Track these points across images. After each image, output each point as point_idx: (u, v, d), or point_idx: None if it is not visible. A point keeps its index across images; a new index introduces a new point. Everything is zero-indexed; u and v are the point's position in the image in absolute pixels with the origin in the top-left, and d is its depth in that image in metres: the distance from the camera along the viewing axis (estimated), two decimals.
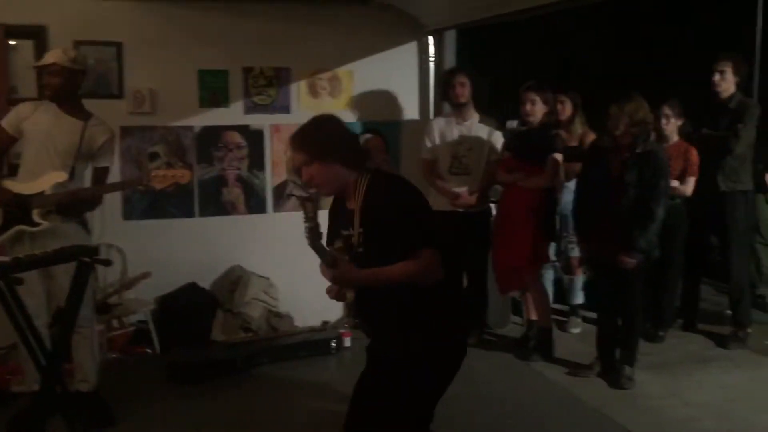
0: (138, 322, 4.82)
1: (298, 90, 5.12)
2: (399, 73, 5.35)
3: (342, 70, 5.19)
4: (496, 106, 5.23)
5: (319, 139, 2.37)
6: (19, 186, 3.58)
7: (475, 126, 4.75)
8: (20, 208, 3.52)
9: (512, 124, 5.06)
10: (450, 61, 5.47)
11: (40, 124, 3.55)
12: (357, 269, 2.30)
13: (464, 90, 4.68)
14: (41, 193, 3.53)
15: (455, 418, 3.70)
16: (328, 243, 2.45)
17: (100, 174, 3.73)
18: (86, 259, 3.11)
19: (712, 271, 5.38)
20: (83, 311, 3.30)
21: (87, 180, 3.76)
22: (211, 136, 4.97)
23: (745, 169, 4.63)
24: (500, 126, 4.95)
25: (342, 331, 4.86)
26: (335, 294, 2.42)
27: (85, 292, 3.20)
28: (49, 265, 3.37)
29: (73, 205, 3.60)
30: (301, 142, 2.38)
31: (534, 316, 4.66)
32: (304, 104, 5.09)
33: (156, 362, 4.52)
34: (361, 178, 2.37)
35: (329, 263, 2.30)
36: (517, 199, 4.47)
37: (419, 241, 2.28)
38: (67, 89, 3.57)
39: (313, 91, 5.15)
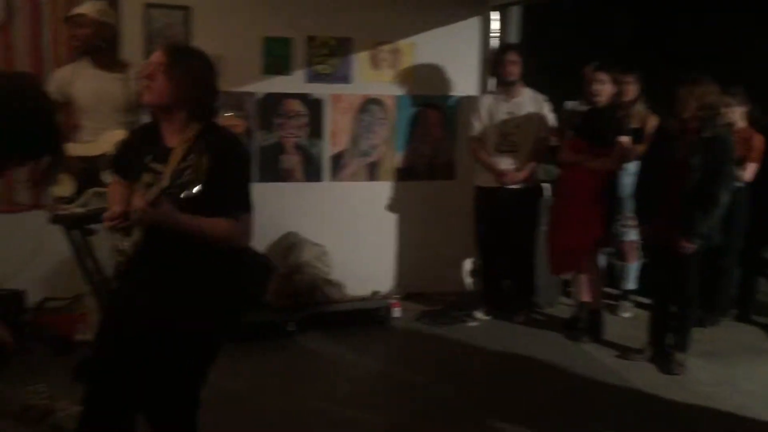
0: None
1: (360, 61, 5.14)
2: (460, 48, 5.32)
3: (404, 43, 5.19)
4: (559, 84, 5.17)
5: (193, 67, 2.27)
6: (83, 148, 3.69)
7: (525, 103, 4.73)
8: (88, 170, 3.65)
9: (571, 104, 5.02)
10: (512, 37, 5.42)
11: (84, 88, 3.67)
12: (176, 211, 2.13)
13: (514, 68, 4.67)
14: (105, 155, 3.64)
15: (505, 396, 3.76)
16: (122, 167, 2.40)
17: None
18: None
19: None
20: None
21: None
22: (273, 103, 5.04)
23: None
24: (557, 105, 4.91)
25: (392, 301, 4.92)
26: (119, 224, 2.24)
27: None
28: None
29: None
30: (177, 54, 2.28)
31: (585, 298, 4.64)
32: (365, 75, 5.12)
33: None
34: (193, 121, 2.26)
35: (151, 197, 2.12)
36: (582, 181, 4.44)
37: (246, 204, 2.28)
38: (96, 41, 3.66)
39: (374, 63, 5.16)
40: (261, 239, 5.11)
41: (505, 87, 4.77)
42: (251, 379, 3.84)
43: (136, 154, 2.31)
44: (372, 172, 5.28)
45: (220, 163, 2.16)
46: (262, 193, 4.93)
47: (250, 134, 5.02)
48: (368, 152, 5.26)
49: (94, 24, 3.60)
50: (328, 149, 5.18)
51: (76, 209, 3.43)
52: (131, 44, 4.46)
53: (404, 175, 5.34)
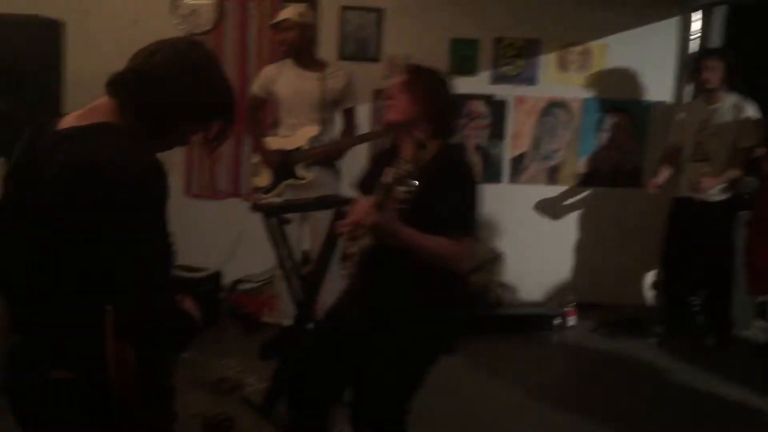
0: None
1: (547, 62, 5.05)
2: (655, 50, 5.06)
3: (595, 44, 5.03)
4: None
5: (434, 87, 2.36)
6: (279, 142, 3.94)
7: (724, 111, 4.39)
8: (284, 163, 3.89)
9: None
10: (715, 40, 5.07)
11: (286, 84, 3.89)
12: (401, 223, 2.18)
13: (712, 75, 4.34)
14: (299, 149, 3.86)
15: (688, 426, 3.53)
16: (365, 186, 2.47)
17: (348, 115, 4.01)
18: (343, 209, 3.37)
19: None
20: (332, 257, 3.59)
21: (338, 124, 4.04)
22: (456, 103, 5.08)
23: None
24: (766, 113, 4.52)
25: (567, 309, 4.80)
26: (349, 231, 2.32)
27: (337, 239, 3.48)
28: (309, 210, 3.70)
29: (329, 156, 3.92)
30: (417, 74, 2.38)
31: None
32: (551, 77, 5.03)
33: None
34: (432, 140, 2.30)
35: (379, 203, 2.19)
36: None
37: (469, 227, 2.28)
38: (300, 43, 3.86)
39: (562, 64, 5.05)
40: None
41: (704, 94, 4.48)
42: None
43: (376, 176, 2.40)
44: (552, 176, 5.18)
45: (448, 182, 2.24)
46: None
47: None
48: (550, 156, 5.16)
49: (298, 27, 3.82)
50: (508, 151, 5.14)
51: (274, 199, 3.68)
52: (327, 44, 4.69)
53: (586, 180, 5.19)
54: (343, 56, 4.89)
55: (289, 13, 3.83)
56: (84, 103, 1.55)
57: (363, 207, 2.26)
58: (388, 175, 2.27)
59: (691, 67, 4.75)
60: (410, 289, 2.32)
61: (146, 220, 1.39)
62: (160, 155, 1.49)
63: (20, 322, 1.51)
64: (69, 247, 1.36)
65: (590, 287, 5.15)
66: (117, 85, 1.48)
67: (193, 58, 1.52)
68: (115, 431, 1.48)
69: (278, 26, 3.86)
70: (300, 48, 3.86)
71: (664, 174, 4.54)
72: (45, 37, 3.58)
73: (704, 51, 4.76)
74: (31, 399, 1.49)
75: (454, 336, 2.47)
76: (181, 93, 1.49)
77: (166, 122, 1.51)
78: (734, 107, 4.41)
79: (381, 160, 2.50)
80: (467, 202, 2.30)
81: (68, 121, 1.47)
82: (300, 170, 3.85)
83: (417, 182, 2.12)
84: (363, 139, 4.19)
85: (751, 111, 4.39)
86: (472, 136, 5.12)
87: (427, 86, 2.34)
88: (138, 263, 1.36)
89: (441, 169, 2.25)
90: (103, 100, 1.49)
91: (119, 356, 1.41)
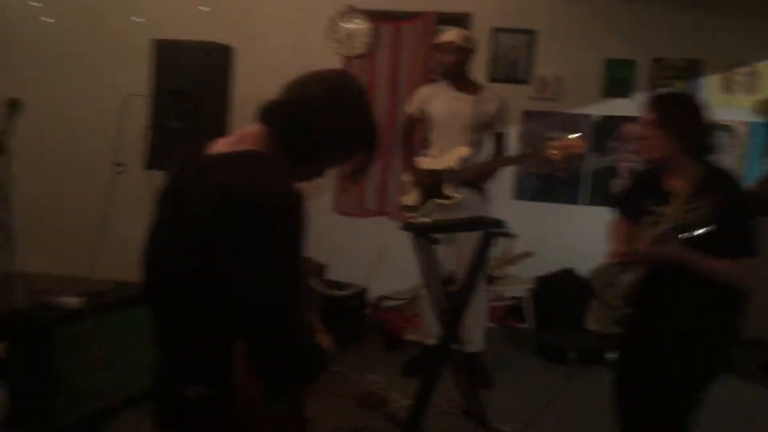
0: (513, 298, 5.07)
1: (710, 84, 4.80)
2: None
3: (764, 65, 4.72)
4: None
5: (684, 118, 2.36)
6: (430, 162, 3.98)
7: None
8: (433, 183, 3.93)
9: None
10: None
11: (440, 105, 3.91)
12: (679, 249, 2.26)
13: None
14: (449, 169, 3.89)
15: None
16: (624, 206, 2.58)
17: (498, 140, 3.98)
18: (492, 230, 3.37)
19: None
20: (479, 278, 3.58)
21: (487, 146, 4.04)
22: (609, 125, 4.94)
23: None
24: None
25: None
26: (623, 260, 2.43)
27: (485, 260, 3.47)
28: (458, 231, 3.71)
29: (478, 178, 3.92)
30: (665, 107, 2.39)
31: None
32: (715, 99, 4.75)
33: (528, 338, 4.71)
34: (695, 164, 2.34)
35: (657, 237, 2.30)
36: None
37: (748, 246, 2.31)
38: (459, 66, 3.87)
39: (727, 86, 4.78)
40: (583, 261, 5.01)
41: None
42: (566, 401, 3.78)
43: (637, 197, 2.48)
44: None
45: (726, 205, 2.25)
46: (590, 216, 4.98)
47: (583, 156, 4.99)
48: None
49: (459, 50, 3.86)
50: None
51: (424, 219, 3.73)
52: (478, 66, 4.71)
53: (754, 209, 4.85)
54: (494, 78, 4.90)
55: (453, 36, 3.87)
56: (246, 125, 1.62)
57: (626, 233, 2.48)
58: (669, 218, 2.32)
59: None
60: (698, 308, 2.38)
61: (282, 250, 1.37)
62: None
63: (163, 339, 1.55)
64: (209, 272, 1.38)
65: (750, 321, 4.78)
66: (269, 114, 1.52)
67: (347, 93, 1.54)
68: None
69: (440, 48, 3.91)
70: (457, 71, 3.90)
71: None
72: (218, 62, 3.84)
73: None
74: (170, 416, 1.55)
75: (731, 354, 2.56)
76: (333, 127, 1.51)
77: (312, 154, 1.53)
78: None
79: (644, 183, 2.53)
80: (745, 221, 2.35)
81: (218, 147, 1.52)
82: (448, 190, 3.88)
83: (701, 231, 2.22)
84: (513, 161, 4.17)
85: None
86: (625, 159, 4.95)
87: (677, 120, 2.35)
88: (269, 294, 1.35)
89: (715, 193, 2.27)
90: (254, 127, 1.53)
91: (248, 385, 1.41)
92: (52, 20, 5.20)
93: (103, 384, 3.09)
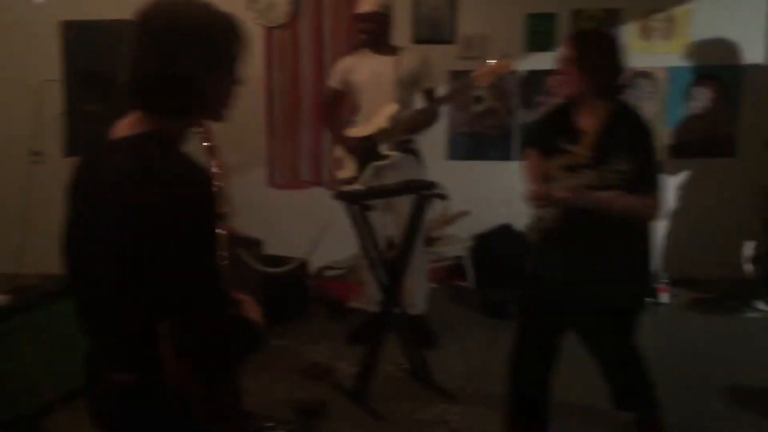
0: (454, 257, 5.11)
1: (628, 32, 4.87)
2: (744, 12, 4.81)
3: (680, 10, 4.81)
4: None
5: (602, 55, 2.42)
6: (361, 129, 3.95)
7: None
8: (368, 148, 3.90)
9: None
10: None
11: (363, 72, 3.89)
12: (595, 194, 2.33)
13: None
14: (381, 129, 3.85)
15: None
16: (540, 144, 2.58)
17: (428, 97, 3.97)
18: (426, 193, 3.37)
19: None
20: (416, 241, 3.59)
21: (419, 105, 4.00)
22: (535, 80, 4.98)
23: None
24: None
25: (659, 286, 4.65)
26: (542, 204, 2.49)
27: (421, 223, 3.48)
28: (393, 196, 3.70)
29: (412, 129, 3.88)
30: (584, 45, 2.43)
31: None
32: (634, 47, 4.83)
33: (470, 296, 4.77)
34: (605, 102, 2.41)
35: (575, 185, 2.35)
36: None
37: (656, 180, 2.38)
38: (380, 33, 3.85)
39: (645, 33, 4.86)
40: (519, 217, 5.06)
41: None
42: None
43: (550, 135, 2.53)
44: None
45: (634, 141, 2.35)
46: (521, 171, 5.04)
47: (511, 112, 5.03)
48: None
49: (379, 17, 3.82)
50: None
51: (357, 187, 3.70)
52: (401, 29, 4.67)
53: (675, 152, 4.99)
54: (418, 39, 4.87)
55: (373, 4, 3.83)
56: None
57: (541, 171, 2.51)
58: (582, 158, 2.38)
59: None
60: (605, 248, 2.45)
61: (192, 232, 1.32)
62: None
63: (89, 326, 1.51)
64: (125, 258, 1.33)
65: (684, 262, 4.96)
66: (135, 96, 1.42)
67: (182, 10, 1.40)
68: None
69: (363, 17, 3.86)
70: (379, 38, 3.86)
71: None
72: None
73: None
74: (101, 402, 1.51)
75: (646, 287, 2.78)
76: (185, 52, 1.38)
77: (192, 91, 1.40)
78: None
79: (555, 120, 2.57)
80: (652, 157, 2.40)
81: (119, 130, 1.44)
82: (384, 150, 3.83)
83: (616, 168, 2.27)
84: (444, 100, 4.09)
85: None
86: None
87: (595, 58, 2.40)
88: (184, 272, 1.32)
89: (622, 130, 2.37)
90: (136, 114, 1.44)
91: (177, 368, 1.37)
92: None
93: (38, 380, 2.99)
